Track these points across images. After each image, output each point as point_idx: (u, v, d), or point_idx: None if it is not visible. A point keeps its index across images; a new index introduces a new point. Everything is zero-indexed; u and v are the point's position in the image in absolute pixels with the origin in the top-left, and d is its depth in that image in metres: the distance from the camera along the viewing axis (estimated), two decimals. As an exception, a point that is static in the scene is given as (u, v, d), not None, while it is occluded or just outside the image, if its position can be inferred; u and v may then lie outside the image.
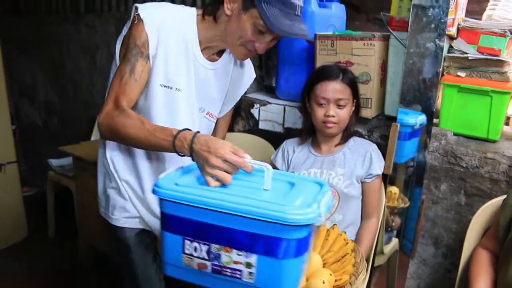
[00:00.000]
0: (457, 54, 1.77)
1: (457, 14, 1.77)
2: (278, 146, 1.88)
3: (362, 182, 1.68)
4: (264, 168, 1.03)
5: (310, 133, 1.79)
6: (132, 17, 1.26)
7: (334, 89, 1.62)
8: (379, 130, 1.88)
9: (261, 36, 1.26)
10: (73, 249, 2.83)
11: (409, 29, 1.67)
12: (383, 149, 1.76)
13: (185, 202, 1.01)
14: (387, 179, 1.83)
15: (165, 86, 1.32)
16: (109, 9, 3.16)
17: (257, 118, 2.16)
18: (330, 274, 1.39)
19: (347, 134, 1.73)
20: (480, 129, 1.77)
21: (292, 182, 1.11)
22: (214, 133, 1.59)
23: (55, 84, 3.75)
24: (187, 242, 1.05)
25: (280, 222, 0.93)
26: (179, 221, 1.05)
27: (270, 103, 2.12)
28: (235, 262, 1.01)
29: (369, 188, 1.68)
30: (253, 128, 2.20)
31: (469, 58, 1.73)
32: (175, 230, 1.06)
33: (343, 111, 1.64)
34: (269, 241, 0.97)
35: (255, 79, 2.25)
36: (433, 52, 1.65)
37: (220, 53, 1.42)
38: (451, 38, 1.80)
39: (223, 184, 1.05)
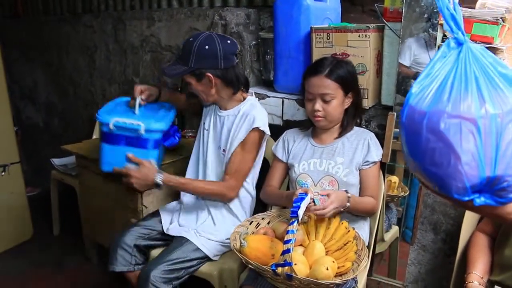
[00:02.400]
0: (451, 43, 1.80)
1: (450, 4, 1.80)
2: (277, 138, 1.92)
3: (359, 170, 1.72)
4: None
5: (311, 124, 1.83)
6: None
7: (318, 84, 1.66)
8: (376, 119, 1.91)
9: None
10: (79, 246, 2.86)
11: (402, 20, 1.70)
12: (380, 138, 1.79)
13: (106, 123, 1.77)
14: (385, 168, 1.86)
15: (204, 129, 1.97)
16: (106, 8, 3.19)
17: (256, 111, 2.19)
18: (333, 261, 1.43)
19: (345, 126, 1.76)
20: (475, 116, 1.80)
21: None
22: None
23: (55, 84, 3.77)
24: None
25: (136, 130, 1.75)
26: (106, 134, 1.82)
27: (269, 96, 2.15)
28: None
29: (367, 175, 1.71)
30: (252, 122, 2.23)
31: (463, 46, 1.76)
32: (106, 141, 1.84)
33: (330, 106, 1.67)
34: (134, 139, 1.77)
35: (253, 73, 2.29)
36: (427, 42, 1.68)
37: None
38: (445, 27, 1.83)
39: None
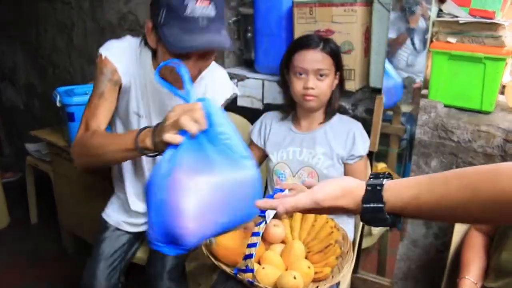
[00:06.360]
0: (447, 18, 1.62)
1: (447, -26, 1.61)
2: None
3: (344, 163, 1.55)
4: None
5: (291, 108, 1.66)
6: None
7: (313, 58, 1.48)
8: (364, 103, 1.74)
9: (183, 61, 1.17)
10: (56, 235, 2.73)
11: (393, -8, 1.52)
12: (368, 123, 1.63)
13: None
14: (373, 156, 1.71)
15: (136, 114, 1.44)
16: (83, -17, 2.99)
17: (235, 94, 2.02)
18: (309, 267, 1.29)
19: (330, 110, 1.59)
20: (472, 100, 1.63)
21: None
22: None
23: (34, 65, 3.60)
24: None
25: None
26: None
27: (248, 78, 1.98)
28: None
29: (352, 170, 1.55)
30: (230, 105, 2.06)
31: (460, 22, 1.58)
32: None
33: (324, 83, 1.50)
34: None
35: (234, 52, 2.11)
36: (419, 17, 1.51)
37: None
38: (441, 0, 1.65)
39: None
